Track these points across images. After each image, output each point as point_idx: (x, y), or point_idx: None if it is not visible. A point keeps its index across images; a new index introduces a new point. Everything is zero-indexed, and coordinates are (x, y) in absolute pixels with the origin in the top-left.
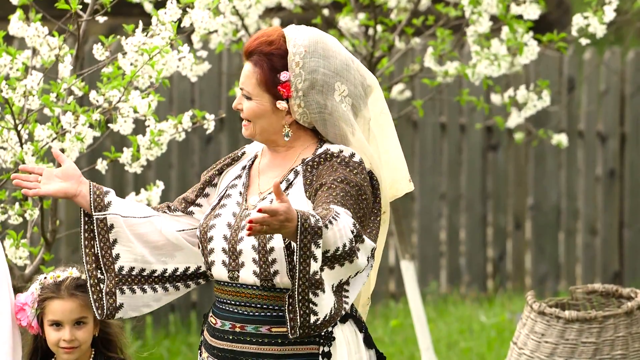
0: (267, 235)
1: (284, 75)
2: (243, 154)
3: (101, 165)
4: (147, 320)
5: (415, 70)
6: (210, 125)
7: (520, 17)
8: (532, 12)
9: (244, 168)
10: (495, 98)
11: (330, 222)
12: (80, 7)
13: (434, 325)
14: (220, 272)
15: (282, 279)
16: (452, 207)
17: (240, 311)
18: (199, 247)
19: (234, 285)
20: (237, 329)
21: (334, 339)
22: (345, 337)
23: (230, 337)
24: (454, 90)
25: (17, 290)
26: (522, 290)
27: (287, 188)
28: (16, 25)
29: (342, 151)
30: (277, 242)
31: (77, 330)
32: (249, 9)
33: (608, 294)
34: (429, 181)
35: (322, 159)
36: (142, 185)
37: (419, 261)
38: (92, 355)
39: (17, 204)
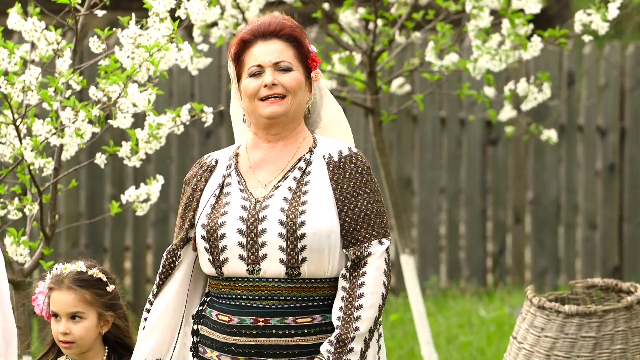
0: (299, 221)
1: (313, 47)
2: (217, 161)
3: (100, 159)
4: None
5: (415, 65)
6: (208, 118)
7: (521, 10)
8: (533, 5)
9: (228, 167)
10: (489, 91)
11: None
12: (79, 1)
13: (434, 319)
14: (236, 268)
15: (309, 267)
16: (451, 201)
17: (261, 305)
18: (204, 250)
19: (253, 280)
20: (261, 323)
21: None
22: None
23: (254, 332)
24: (453, 84)
25: (16, 284)
26: (521, 284)
27: (302, 175)
28: (14, 19)
29: (359, 154)
30: (308, 228)
31: (73, 325)
32: (250, 3)
33: (608, 288)
34: (429, 175)
35: (346, 160)
36: (142, 180)
37: (418, 255)
38: (106, 354)
39: (16, 198)
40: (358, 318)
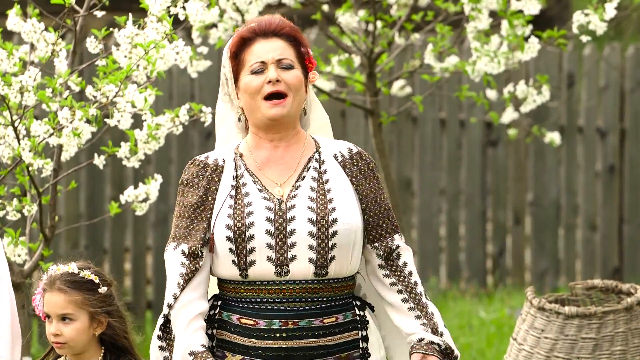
0: (330, 219)
1: (309, 50)
2: (224, 160)
3: (99, 160)
4: (147, 316)
5: (415, 66)
6: (207, 118)
7: (520, 12)
8: (532, 7)
9: (235, 169)
10: (491, 94)
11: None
12: (75, 1)
13: None
14: (264, 270)
15: (336, 267)
16: (451, 203)
17: (289, 308)
18: (229, 252)
19: (280, 282)
20: (290, 326)
21: (368, 322)
22: (372, 319)
23: (284, 335)
24: (453, 85)
25: (16, 286)
26: (521, 285)
27: (319, 174)
28: (13, 20)
29: (364, 151)
30: (340, 225)
31: (63, 326)
32: (249, 5)
33: (608, 289)
34: (429, 176)
35: (358, 158)
36: (142, 181)
37: (418, 257)
38: (102, 355)
39: (15, 199)
40: (427, 305)
